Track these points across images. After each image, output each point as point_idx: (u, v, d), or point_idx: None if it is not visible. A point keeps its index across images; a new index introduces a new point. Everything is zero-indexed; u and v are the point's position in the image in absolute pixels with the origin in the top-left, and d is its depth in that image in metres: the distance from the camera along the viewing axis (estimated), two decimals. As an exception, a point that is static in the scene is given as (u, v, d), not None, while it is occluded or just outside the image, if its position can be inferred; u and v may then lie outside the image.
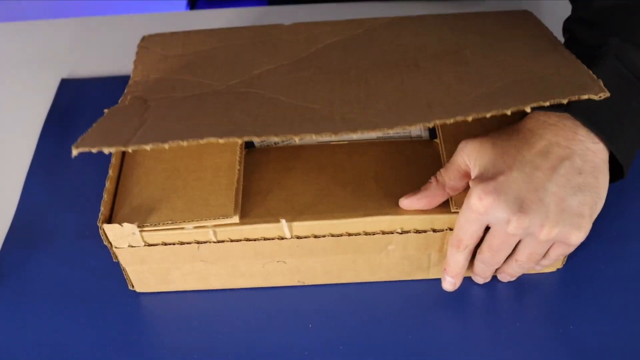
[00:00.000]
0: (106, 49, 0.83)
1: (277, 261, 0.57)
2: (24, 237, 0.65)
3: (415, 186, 0.55)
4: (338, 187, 0.56)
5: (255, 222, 0.54)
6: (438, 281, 0.59)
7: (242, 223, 0.54)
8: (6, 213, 0.67)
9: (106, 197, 0.55)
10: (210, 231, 0.54)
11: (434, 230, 0.55)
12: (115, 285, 0.61)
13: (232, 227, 0.54)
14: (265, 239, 0.55)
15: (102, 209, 0.55)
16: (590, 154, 0.52)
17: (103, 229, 0.54)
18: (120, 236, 0.55)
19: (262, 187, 0.57)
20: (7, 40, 0.86)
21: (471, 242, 0.54)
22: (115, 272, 0.61)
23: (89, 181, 0.68)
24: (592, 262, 0.61)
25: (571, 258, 0.60)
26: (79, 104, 0.77)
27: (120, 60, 0.81)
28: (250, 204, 0.56)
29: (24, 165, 0.71)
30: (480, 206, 0.51)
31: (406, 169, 0.58)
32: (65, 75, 0.81)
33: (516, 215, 0.50)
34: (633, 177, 0.66)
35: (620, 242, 0.62)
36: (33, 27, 0.88)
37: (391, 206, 0.55)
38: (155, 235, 0.55)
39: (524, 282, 0.59)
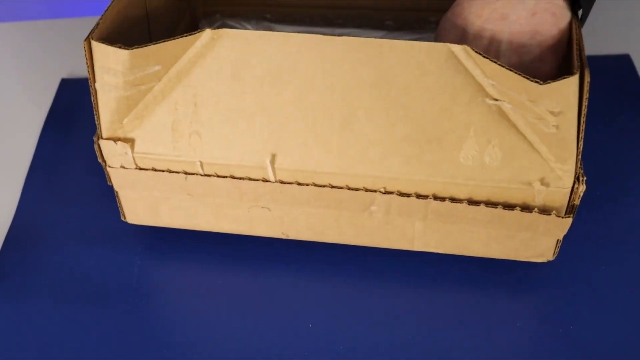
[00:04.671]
0: (106, 49, 0.83)
1: (262, 207, 0.58)
2: (24, 237, 0.65)
3: (409, 123, 0.52)
4: (326, 119, 0.53)
5: (240, 160, 0.55)
6: (437, 282, 0.60)
7: (228, 159, 0.55)
8: (6, 213, 0.67)
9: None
10: (197, 163, 0.56)
11: (418, 196, 0.54)
12: (116, 284, 0.61)
13: (219, 164, 0.56)
14: (250, 179, 0.56)
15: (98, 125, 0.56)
16: None
17: (98, 144, 0.56)
18: (113, 154, 0.56)
19: (245, 105, 0.54)
20: (7, 40, 0.86)
21: None
22: (115, 271, 0.61)
23: (89, 181, 0.68)
24: (592, 261, 0.61)
25: (571, 258, 0.60)
26: (79, 104, 0.77)
27: (120, 60, 0.81)
28: (235, 126, 0.55)
29: (24, 165, 0.71)
30: None
31: (404, 98, 0.52)
32: (65, 75, 0.81)
33: None
34: (633, 177, 0.67)
35: (620, 242, 0.62)
36: (33, 27, 0.88)
37: (377, 160, 0.54)
38: (145, 159, 0.56)
39: (524, 281, 0.59)
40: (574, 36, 0.53)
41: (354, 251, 0.61)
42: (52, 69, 0.82)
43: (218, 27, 0.73)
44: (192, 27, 0.75)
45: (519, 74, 0.49)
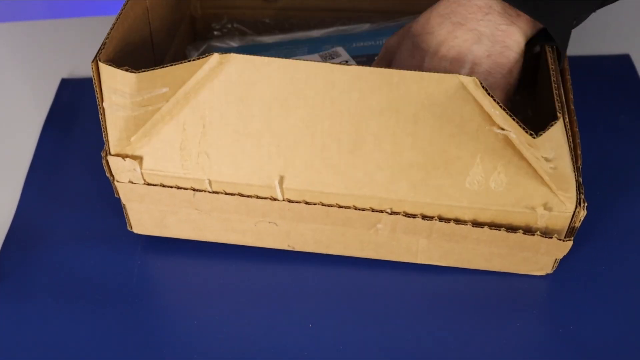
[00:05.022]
0: (106, 49, 0.83)
1: (269, 222, 0.58)
2: (24, 237, 0.65)
3: (416, 152, 0.53)
4: (334, 143, 0.54)
5: (249, 180, 0.56)
6: (437, 281, 0.60)
7: (236, 178, 0.56)
8: (6, 213, 0.67)
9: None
10: (206, 180, 0.56)
11: (423, 217, 0.55)
12: (116, 284, 0.61)
13: (227, 182, 0.56)
14: (258, 197, 0.57)
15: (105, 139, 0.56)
16: (500, 34, 0.53)
17: (107, 161, 0.57)
18: (122, 170, 0.57)
19: (254, 128, 0.55)
20: (7, 40, 0.86)
21: None
22: (115, 271, 0.61)
23: (89, 181, 0.68)
24: (592, 261, 0.61)
25: (571, 258, 0.60)
26: (79, 104, 0.77)
27: (120, 60, 0.81)
28: (243, 148, 0.55)
29: (24, 165, 0.71)
30: None
31: (412, 127, 0.53)
32: (65, 75, 0.81)
33: None
34: (633, 177, 0.67)
35: (620, 242, 0.62)
36: (33, 27, 0.88)
37: (384, 183, 0.54)
38: (154, 176, 0.57)
39: (524, 281, 0.59)
40: (552, 77, 0.54)
41: (354, 251, 0.61)
42: (52, 69, 0.81)
43: (204, 51, 0.73)
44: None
45: (517, 122, 0.50)
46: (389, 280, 0.60)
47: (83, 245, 0.64)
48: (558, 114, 0.50)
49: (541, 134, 0.50)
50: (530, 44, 0.57)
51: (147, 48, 0.63)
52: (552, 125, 0.49)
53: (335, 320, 0.58)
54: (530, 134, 0.50)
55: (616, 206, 0.64)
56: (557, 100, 0.52)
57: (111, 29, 0.55)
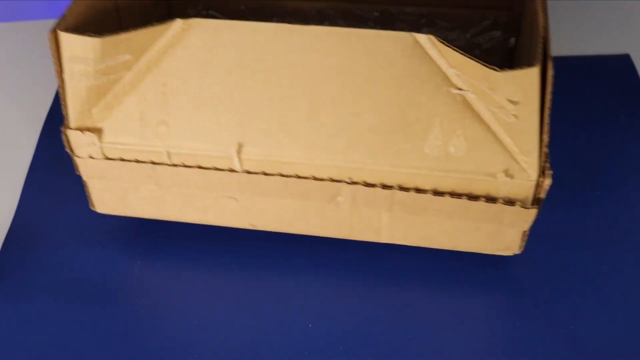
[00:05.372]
0: (106, 49, 0.83)
1: (229, 197, 0.58)
2: (24, 237, 0.65)
3: (382, 117, 0.52)
4: (293, 108, 0.54)
5: (207, 149, 0.55)
6: (438, 282, 0.60)
7: (195, 149, 0.55)
8: (6, 213, 0.67)
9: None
10: (165, 153, 0.56)
11: (383, 186, 0.55)
12: (116, 284, 0.61)
13: (186, 153, 0.56)
14: (217, 169, 0.56)
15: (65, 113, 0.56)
16: None
17: (66, 135, 0.56)
18: (81, 144, 0.57)
19: (213, 94, 0.55)
20: (8, 40, 0.86)
21: None
22: (115, 271, 0.61)
23: (89, 181, 0.68)
24: (592, 261, 0.61)
25: (571, 257, 0.60)
26: (79, 104, 0.77)
27: (120, 60, 0.81)
28: (202, 116, 0.55)
29: (24, 165, 0.71)
30: None
31: (370, 88, 0.53)
32: (65, 75, 0.81)
33: None
34: (633, 177, 0.67)
35: (620, 242, 0.62)
36: (33, 27, 0.88)
37: (343, 150, 0.54)
38: (113, 149, 0.57)
39: (524, 281, 0.59)
40: (540, 30, 0.52)
41: (355, 251, 0.61)
42: (52, 69, 0.81)
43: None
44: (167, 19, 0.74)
45: (477, 61, 0.49)
46: (390, 281, 0.60)
47: (83, 245, 0.64)
48: (535, 63, 0.48)
49: (506, 70, 0.48)
50: (505, 37, 0.55)
51: (114, 23, 0.62)
52: (523, 68, 0.48)
53: (335, 320, 0.58)
54: (492, 68, 0.49)
55: (616, 206, 0.64)
56: (540, 47, 0.50)
57: (72, 2, 0.55)
